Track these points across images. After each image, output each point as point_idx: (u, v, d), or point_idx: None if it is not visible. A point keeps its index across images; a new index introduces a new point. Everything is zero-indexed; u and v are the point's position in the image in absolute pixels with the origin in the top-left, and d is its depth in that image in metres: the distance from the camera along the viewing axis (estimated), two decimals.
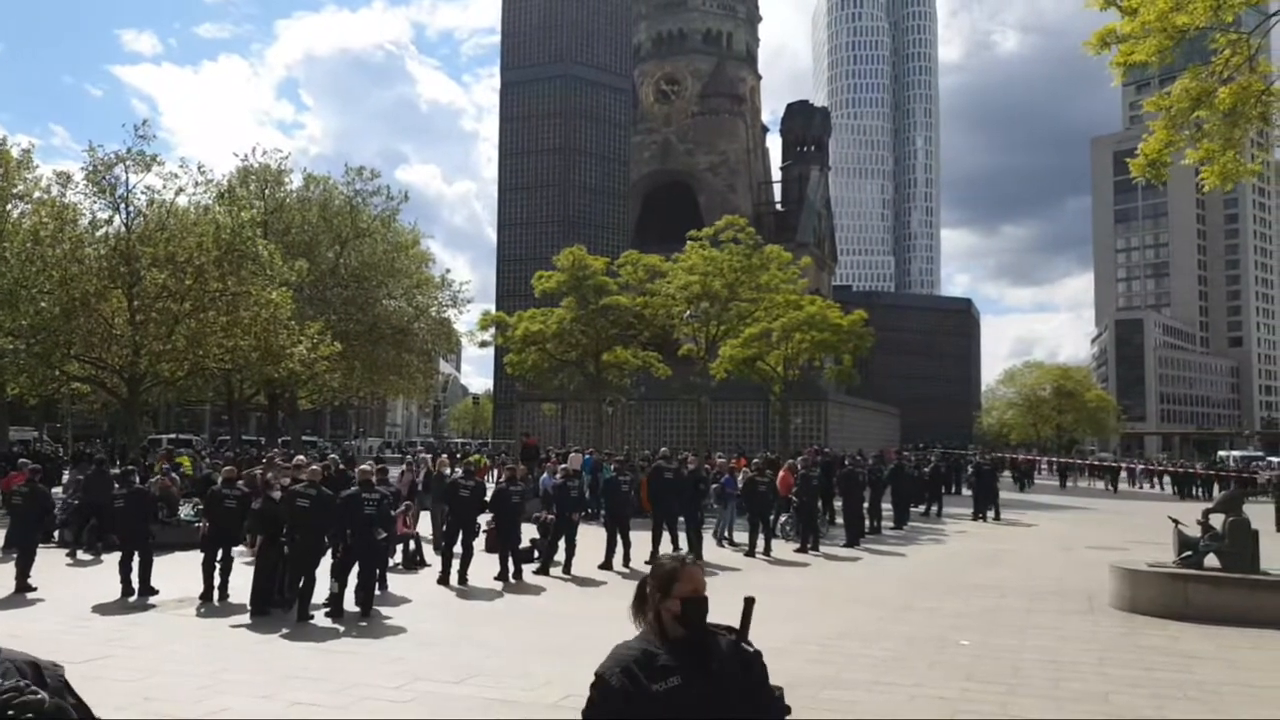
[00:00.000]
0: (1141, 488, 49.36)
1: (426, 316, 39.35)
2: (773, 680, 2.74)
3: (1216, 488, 38.08)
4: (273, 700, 7.12)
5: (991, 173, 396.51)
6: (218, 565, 11.48)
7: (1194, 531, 11.59)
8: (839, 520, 20.52)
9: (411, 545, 14.93)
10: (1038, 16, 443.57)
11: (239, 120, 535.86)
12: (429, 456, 25.59)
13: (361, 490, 10.91)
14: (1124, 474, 51.54)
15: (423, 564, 14.71)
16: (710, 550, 16.63)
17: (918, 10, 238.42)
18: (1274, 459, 59.29)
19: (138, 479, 14.49)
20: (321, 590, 10.76)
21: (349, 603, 10.62)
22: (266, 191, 35.21)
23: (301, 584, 10.47)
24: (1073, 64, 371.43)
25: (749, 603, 2.84)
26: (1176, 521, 11.90)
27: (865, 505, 20.43)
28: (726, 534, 18.28)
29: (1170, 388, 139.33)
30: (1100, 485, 48.76)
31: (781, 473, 19.12)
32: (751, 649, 2.75)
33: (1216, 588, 10.94)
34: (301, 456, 18.80)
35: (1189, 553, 11.43)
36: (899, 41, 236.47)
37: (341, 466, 18.89)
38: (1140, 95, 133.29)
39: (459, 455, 31.90)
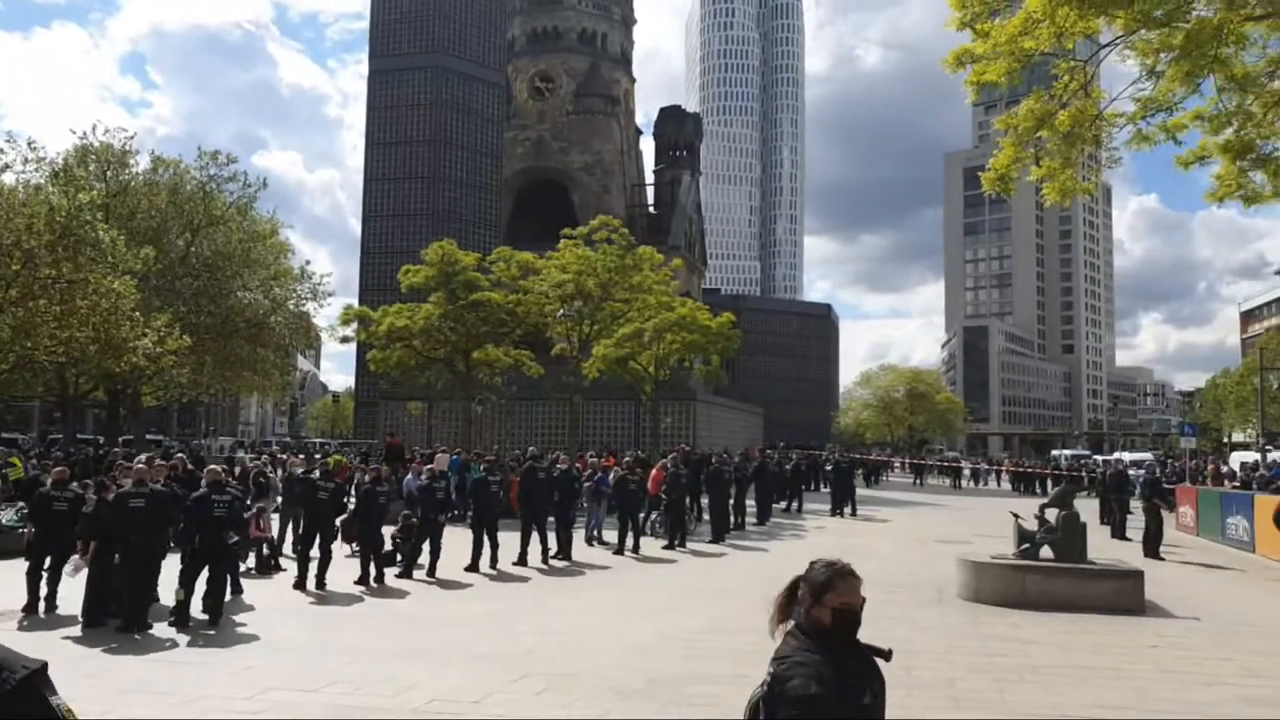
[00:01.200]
0: (985, 485, 52.18)
1: (284, 310, 37.79)
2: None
3: (1050, 484, 40.59)
4: (109, 717, 6.68)
5: (852, 183, 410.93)
6: (45, 574, 10.68)
7: (1032, 525, 12.34)
8: (705, 517, 20.88)
9: (265, 549, 14.36)
10: (898, 34, 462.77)
11: (76, 95, 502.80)
12: (247, 456, 24.59)
13: (212, 491, 10.41)
14: (967, 472, 54.42)
15: (278, 568, 14.17)
16: (580, 550, 16.63)
17: (786, 23, 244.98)
18: (1099, 457, 63.68)
19: None
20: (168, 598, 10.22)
21: (196, 610, 10.11)
22: (109, 173, 33.03)
23: (139, 592, 9.86)
24: (929, 81, 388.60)
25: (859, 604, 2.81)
26: (1016, 516, 12.64)
27: (731, 502, 20.89)
28: (596, 533, 18.33)
29: (1011, 391, 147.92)
30: (948, 482, 51.34)
31: (654, 471, 19.35)
32: (873, 646, 2.71)
33: (1049, 577, 11.69)
34: (143, 456, 17.81)
35: (1027, 545, 12.15)
36: (768, 52, 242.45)
37: (190, 466, 17.97)
38: (989, 115, 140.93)
39: (318, 455, 30.85)
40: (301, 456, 21.69)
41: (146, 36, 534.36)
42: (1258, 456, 40.53)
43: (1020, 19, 9.09)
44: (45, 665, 1.71)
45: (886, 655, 2.69)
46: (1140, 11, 8.74)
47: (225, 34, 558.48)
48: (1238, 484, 27.32)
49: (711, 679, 7.94)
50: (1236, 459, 45.07)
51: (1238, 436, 70.86)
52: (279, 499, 16.84)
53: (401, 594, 12.57)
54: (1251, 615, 11.73)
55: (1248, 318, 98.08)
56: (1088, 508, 18.65)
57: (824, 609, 2.61)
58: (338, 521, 13.24)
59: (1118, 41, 9.66)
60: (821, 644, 2.57)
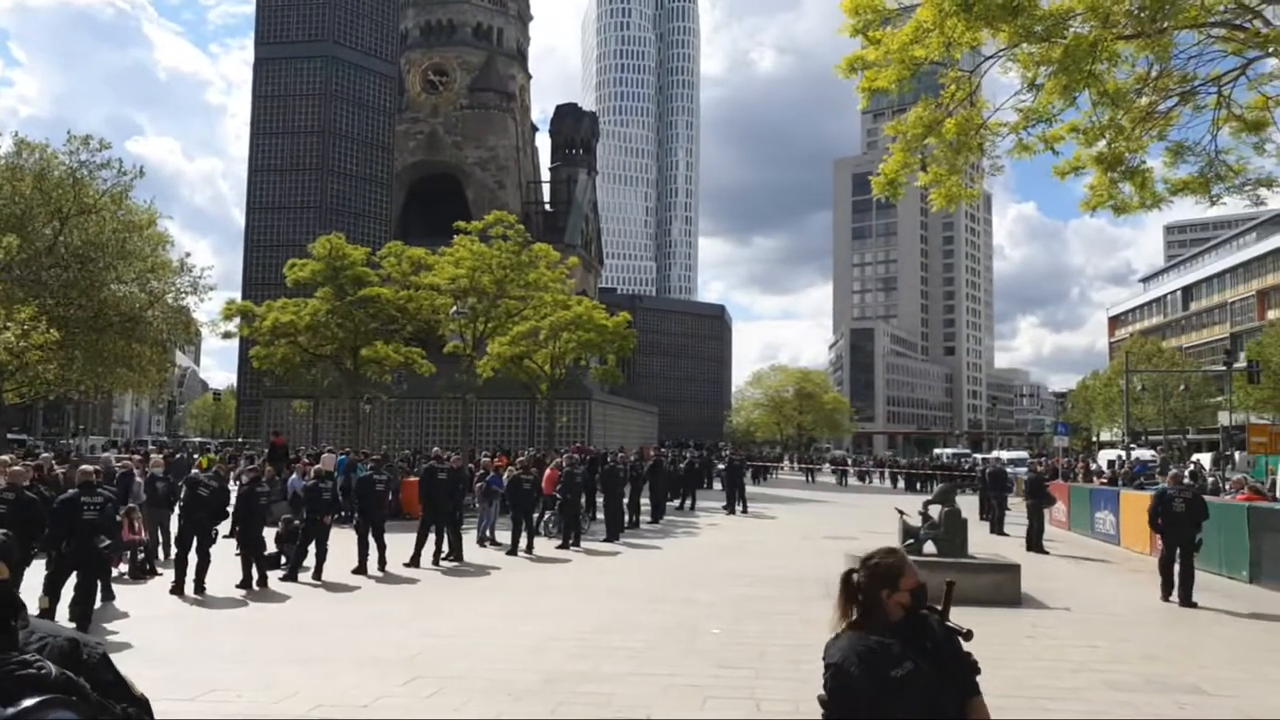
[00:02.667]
0: (871, 483, 53.82)
1: (162, 304, 36.05)
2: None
3: (934, 482, 42.14)
4: None
5: (746, 186, 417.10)
6: None
7: (916, 521, 12.76)
8: (599, 516, 20.89)
9: (141, 553, 13.70)
10: (792, 39, 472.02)
11: None
12: (112, 455, 23.44)
13: (81, 493, 9.85)
14: (853, 470, 56.07)
15: (153, 573, 13.53)
16: (472, 550, 16.43)
17: (682, 25, 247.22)
18: (978, 456, 66.40)
19: None
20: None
21: (62, 618, 9.55)
22: None
23: None
24: (821, 87, 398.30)
25: (950, 585, 3.18)
26: (901, 513, 13.06)
27: (625, 501, 20.95)
28: (489, 533, 18.13)
29: (895, 391, 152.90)
30: (835, 480, 52.77)
31: (549, 471, 19.26)
32: (960, 628, 2.98)
33: (932, 571, 11.99)
34: (7, 456, 16.76)
35: (911, 540, 12.56)
36: (664, 54, 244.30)
37: (57, 468, 16.99)
38: (878, 123, 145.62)
39: (196, 455, 29.58)
40: (159, 457, 20.07)
41: (9, 10, 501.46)
42: (1123, 454, 42.91)
43: (911, 28, 9.40)
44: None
45: (965, 634, 3.00)
46: (1022, 25, 9.13)
47: (96, 11, 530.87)
48: (1105, 480, 28.88)
49: (605, 678, 7.93)
50: (1104, 457, 47.67)
51: (1105, 435, 74.97)
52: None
53: (286, 598, 12.16)
54: (1117, 605, 12.39)
55: (1115, 322, 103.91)
56: (967, 504, 19.40)
57: (904, 593, 2.94)
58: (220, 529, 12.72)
59: (1001, 54, 10.09)
60: (876, 624, 2.93)
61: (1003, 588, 11.94)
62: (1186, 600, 12.13)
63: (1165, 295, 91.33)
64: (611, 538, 18.86)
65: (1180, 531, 12.36)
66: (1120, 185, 10.75)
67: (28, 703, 1.38)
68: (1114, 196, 10.80)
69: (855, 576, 3.03)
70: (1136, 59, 10.11)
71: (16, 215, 31.20)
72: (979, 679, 3.04)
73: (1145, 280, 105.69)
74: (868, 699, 2.77)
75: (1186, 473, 29.42)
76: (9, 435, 38.00)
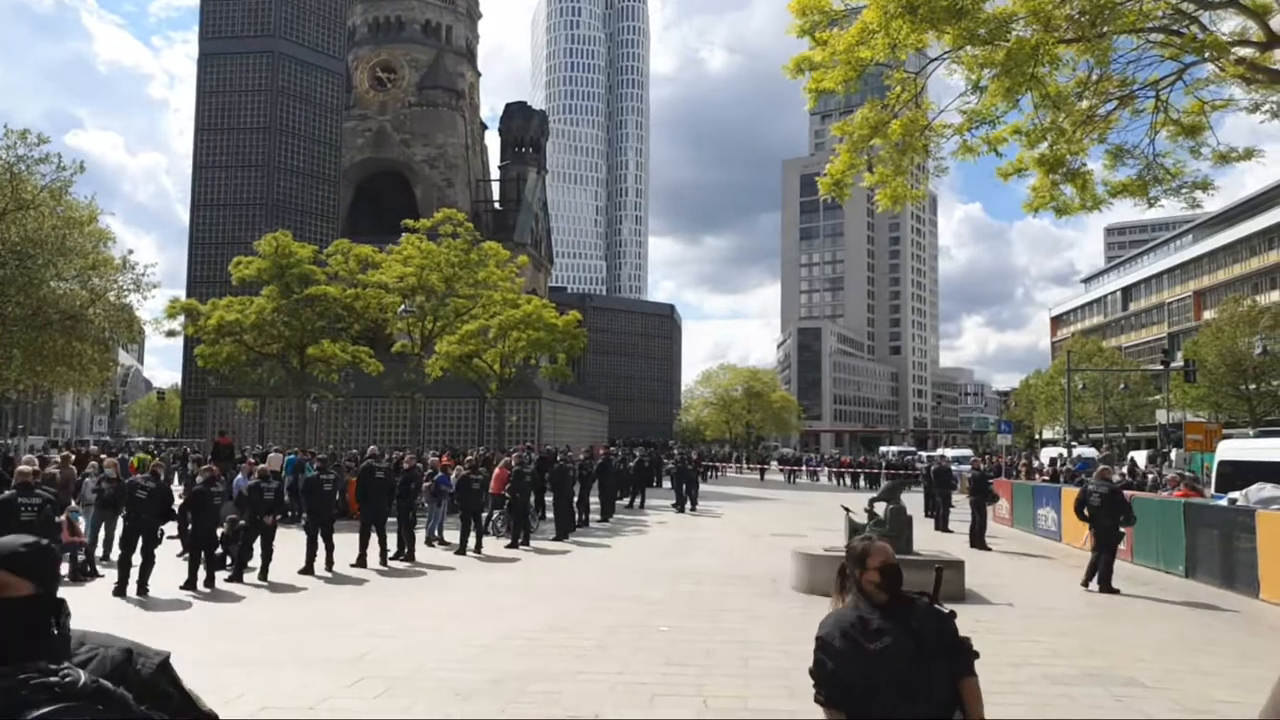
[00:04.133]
0: (818, 480, 54.38)
1: (104, 301, 35.16)
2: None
3: (882, 480, 42.72)
4: None
5: (696, 185, 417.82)
6: None
7: (862, 518, 12.92)
8: (549, 515, 20.85)
9: (81, 555, 13.36)
10: (741, 38, 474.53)
11: None
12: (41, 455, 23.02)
13: (19, 494, 9.58)
14: (803, 469, 56.67)
15: (94, 575, 13.21)
16: (421, 550, 16.28)
17: (631, 24, 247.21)
18: (923, 453, 67.33)
19: None
20: None
21: None
22: None
23: None
24: (770, 87, 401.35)
25: (939, 571, 3.58)
26: (848, 510, 13.21)
27: (575, 499, 20.93)
28: (438, 533, 17.99)
29: (842, 390, 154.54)
30: (783, 478, 53.25)
31: (498, 470, 19.17)
32: (944, 609, 3.25)
33: None
34: None
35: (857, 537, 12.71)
36: (614, 53, 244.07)
37: None
38: (825, 124, 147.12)
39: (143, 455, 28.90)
40: (106, 458, 19.60)
41: None
42: (1065, 452, 43.79)
43: (857, 29, 9.53)
44: (169, 655, 1.95)
45: (949, 614, 3.25)
46: (966, 28, 9.30)
47: (33, 2, 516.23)
48: (1047, 478, 29.49)
49: (554, 676, 7.91)
50: (1046, 455, 48.62)
51: (1047, 433, 76.56)
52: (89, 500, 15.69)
53: (231, 598, 11.95)
54: (1057, 600, 12.67)
55: (1057, 322, 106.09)
56: (912, 501, 19.70)
57: (872, 571, 3.21)
58: (166, 530, 12.45)
59: (945, 56, 10.26)
60: (866, 603, 3.20)
61: (947, 583, 12.10)
62: (1105, 586, 12.76)
63: (1106, 296, 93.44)
64: (561, 536, 18.84)
65: (1099, 524, 12.91)
66: (1062, 187, 11.00)
67: (34, 714, 1.34)
68: (1056, 198, 11.05)
69: (845, 564, 3.36)
70: (1077, 63, 10.35)
71: None
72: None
73: (1086, 281, 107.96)
74: (848, 669, 3.05)
75: (1124, 470, 30.22)
76: None
